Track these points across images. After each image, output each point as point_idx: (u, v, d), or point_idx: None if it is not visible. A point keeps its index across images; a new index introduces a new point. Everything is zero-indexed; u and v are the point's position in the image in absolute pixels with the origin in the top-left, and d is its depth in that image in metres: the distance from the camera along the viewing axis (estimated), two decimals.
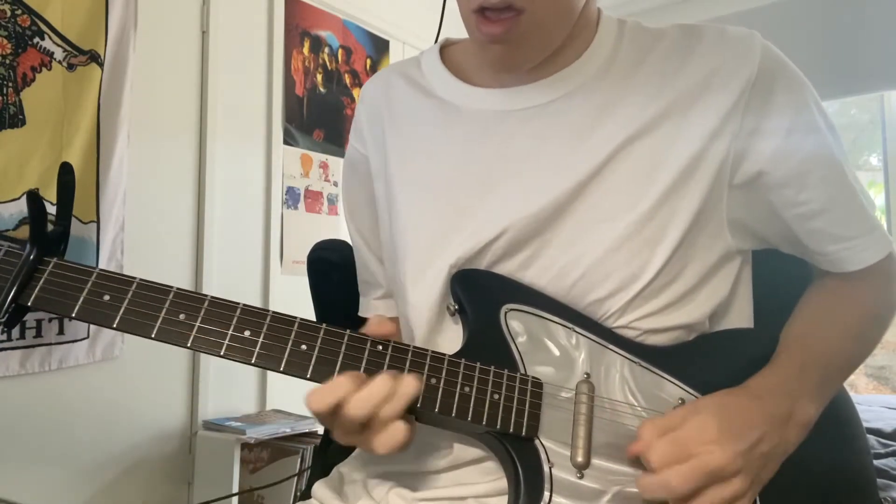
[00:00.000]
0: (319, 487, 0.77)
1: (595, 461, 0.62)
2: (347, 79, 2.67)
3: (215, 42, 2.17)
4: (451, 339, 0.71)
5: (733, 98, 0.67)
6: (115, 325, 0.59)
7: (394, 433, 0.59)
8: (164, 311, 0.60)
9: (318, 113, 2.55)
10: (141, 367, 1.94)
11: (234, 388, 2.20)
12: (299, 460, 1.96)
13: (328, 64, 2.60)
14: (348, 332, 0.63)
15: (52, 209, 0.65)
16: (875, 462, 1.56)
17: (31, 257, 0.59)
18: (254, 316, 0.61)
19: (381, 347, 0.62)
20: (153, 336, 0.59)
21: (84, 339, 1.81)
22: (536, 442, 0.62)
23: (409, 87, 0.81)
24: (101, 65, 1.84)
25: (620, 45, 0.73)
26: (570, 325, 0.67)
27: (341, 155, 2.58)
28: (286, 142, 2.41)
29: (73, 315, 0.59)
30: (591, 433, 0.63)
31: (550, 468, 0.62)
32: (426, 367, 0.62)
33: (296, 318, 0.62)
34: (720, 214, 0.69)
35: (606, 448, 0.63)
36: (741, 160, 0.68)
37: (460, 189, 0.73)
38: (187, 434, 2.06)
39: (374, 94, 0.84)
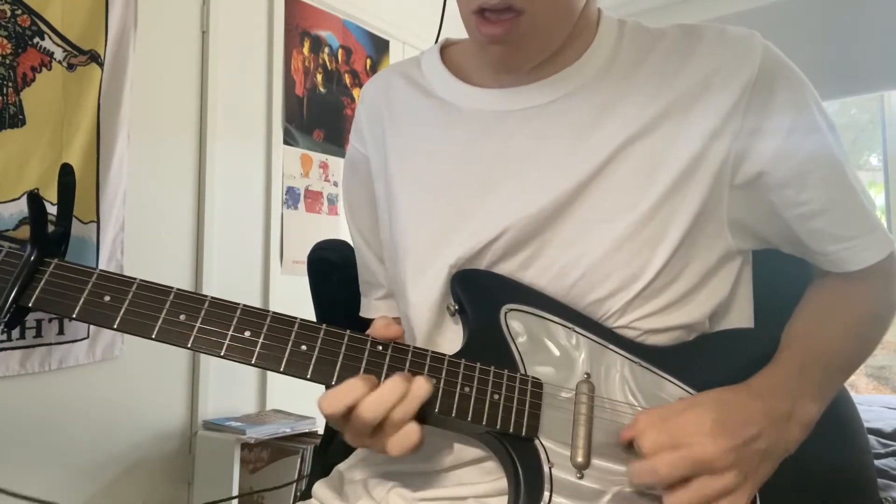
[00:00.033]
0: (320, 487, 0.77)
1: (595, 461, 0.62)
2: (347, 79, 2.67)
3: (215, 42, 2.17)
4: (451, 339, 0.71)
5: (734, 98, 0.67)
6: (115, 326, 0.59)
7: (408, 434, 0.59)
8: (165, 311, 0.60)
9: (318, 113, 2.55)
10: (141, 367, 1.94)
11: (234, 388, 2.20)
12: (299, 460, 1.96)
13: (328, 64, 2.60)
14: (348, 332, 0.63)
15: (52, 209, 0.65)
16: (875, 462, 1.56)
17: (32, 258, 0.59)
18: (254, 316, 0.61)
19: (380, 348, 0.62)
20: (153, 337, 0.59)
21: (84, 339, 1.81)
22: (536, 442, 0.63)
23: (410, 88, 0.81)
24: (101, 65, 1.84)
25: (621, 46, 0.73)
26: (571, 325, 0.67)
27: (341, 155, 2.58)
28: (286, 142, 2.42)
29: (74, 316, 0.59)
30: (592, 433, 0.63)
31: (550, 468, 0.62)
32: (426, 368, 0.62)
33: (296, 318, 0.62)
34: (721, 214, 0.69)
35: (606, 448, 0.63)
36: (742, 160, 0.68)
37: (460, 189, 0.73)
38: (187, 434, 2.06)
39: (375, 95, 0.84)
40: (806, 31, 2.78)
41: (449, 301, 0.71)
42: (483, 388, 0.63)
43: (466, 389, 0.62)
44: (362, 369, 0.61)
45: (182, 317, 0.60)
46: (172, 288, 0.61)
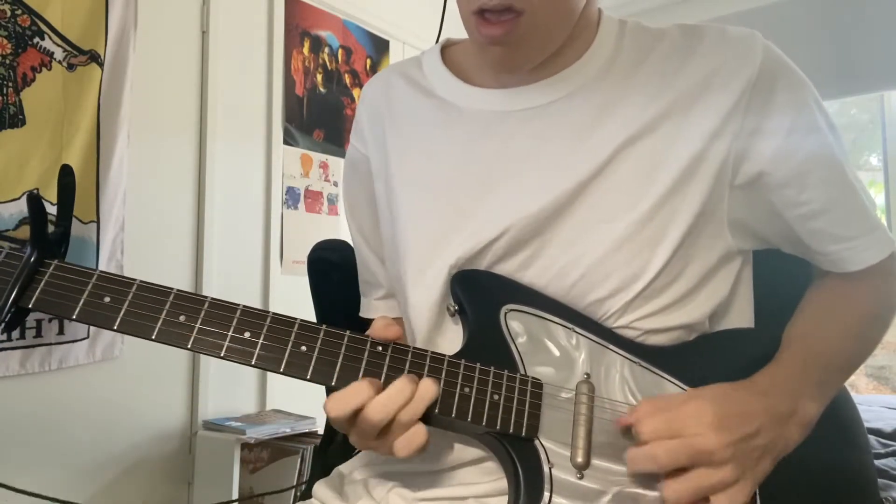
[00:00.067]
0: (320, 487, 0.77)
1: (595, 461, 0.62)
2: (347, 79, 2.67)
3: (215, 42, 2.17)
4: (451, 339, 0.71)
5: (734, 98, 0.67)
6: (115, 327, 0.59)
7: (415, 435, 0.59)
8: (165, 312, 0.60)
9: (318, 113, 2.55)
10: (141, 367, 1.94)
11: (234, 388, 2.20)
12: (299, 460, 1.96)
13: (328, 64, 2.60)
14: (348, 332, 0.63)
15: (52, 209, 0.65)
16: (875, 462, 1.56)
17: (32, 259, 0.59)
18: (254, 317, 0.61)
19: (380, 348, 0.62)
20: (153, 338, 0.59)
21: (84, 339, 1.81)
22: (536, 442, 0.63)
23: (410, 87, 0.81)
24: (101, 65, 1.84)
25: (621, 46, 0.73)
26: (570, 326, 0.67)
27: (341, 155, 2.58)
28: (286, 142, 2.41)
29: (74, 317, 0.59)
30: (591, 433, 0.63)
31: (550, 468, 0.62)
32: (426, 368, 0.62)
33: (295, 319, 0.62)
34: (721, 215, 0.69)
35: (606, 448, 0.63)
36: (742, 160, 0.68)
37: (460, 189, 0.73)
38: (187, 434, 2.06)
39: (375, 94, 0.84)
40: (806, 31, 2.78)
41: (449, 301, 0.71)
42: (483, 389, 0.63)
43: (466, 390, 0.62)
44: (362, 370, 0.61)
45: (182, 318, 0.60)
46: (172, 289, 0.61)
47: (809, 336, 0.71)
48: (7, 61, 1.68)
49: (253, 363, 0.60)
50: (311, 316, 0.91)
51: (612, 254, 0.67)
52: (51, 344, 1.73)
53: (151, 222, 1.99)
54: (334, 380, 0.61)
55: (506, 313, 0.67)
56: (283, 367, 0.60)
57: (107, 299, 0.60)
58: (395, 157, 0.78)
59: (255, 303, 2.25)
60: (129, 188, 1.90)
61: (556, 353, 0.66)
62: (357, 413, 0.59)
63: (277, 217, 2.37)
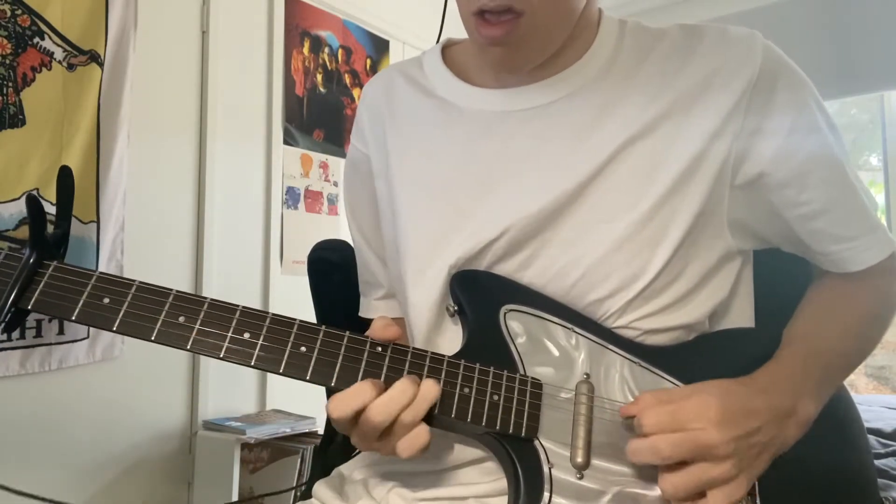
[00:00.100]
0: (320, 487, 0.77)
1: (595, 461, 0.62)
2: (347, 79, 2.67)
3: (215, 42, 2.17)
4: (451, 339, 0.71)
5: (734, 98, 0.67)
6: (114, 328, 0.59)
7: (418, 436, 0.59)
8: (164, 313, 0.60)
9: (318, 113, 2.55)
10: (141, 367, 1.94)
11: (234, 388, 2.20)
12: (299, 460, 1.96)
13: (328, 64, 2.60)
14: (347, 333, 0.62)
15: (51, 209, 0.65)
16: (875, 462, 1.56)
17: (31, 261, 0.59)
18: (253, 318, 0.61)
19: (380, 349, 0.62)
20: (153, 339, 0.59)
21: (84, 339, 1.81)
22: (536, 442, 0.62)
23: (411, 87, 0.81)
24: (101, 65, 1.84)
25: (621, 46, 0.73)
26: (570, 326, 0.67)
27: (341, 155, 2.58)
28: (286, 142, 2.41)
29: (73, 318, 0.59)
30: (591, 433, 0.63)
31: (550, 469, 0.62)
32: (425, 369, 0.62)
33: (295, 319, 0.62)
34: (721, 215, 0.69)
35: (606, 448, 0.63)
36: (742, 161, 0.68)
37: (460, 189, 0.73)
38: (187, 434, 2.06)
39: (376, 94, 0.84)
40: (806, 31, 2.78)
41: (448, 302, 0.70)
42: (482, 389, 0.63)
43: (466, 390, 0.62)
44: (361, 371, 0.61)
45: (181, 319, 0.60)
46: (171, 290, 0.61)
47: (810, 335, 0.71)
48: (7, 61, 1.68)
49: (252, 364, 0.60)
50: (311, 316, 0.91)
51: (612, 254, 0.67)
52: (51, 344, 1.73)
53: (151, 222, 1.99)
54: (334, 380, 0.61)
55: (505, 313, 0.67)
56: (282, 367, 0.60)
57: (106, 300, 0.59)
58: (396, 157, 0.78)
59: (255, 303, 2.26)
60: (129, 188, 1.90)
61: (556, 353, 0.66)
62: (359, 414, 0.59)
63: (277, 217, 2.37)
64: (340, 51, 2.65)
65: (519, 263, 0.70)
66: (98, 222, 1.83)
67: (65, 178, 0.66)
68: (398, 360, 0.62)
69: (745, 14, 2.88)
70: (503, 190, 0.71)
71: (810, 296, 0.76)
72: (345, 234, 0.97)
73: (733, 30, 0.70)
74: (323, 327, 0.62)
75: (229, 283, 2.18)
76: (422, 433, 0.59)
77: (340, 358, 0.61)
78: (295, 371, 0.60)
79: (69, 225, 0.65)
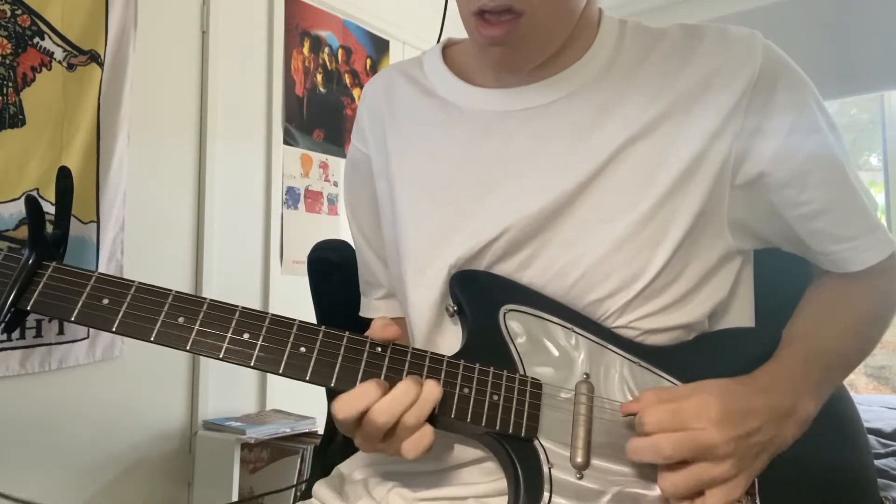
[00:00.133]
0: (320, 487, 0.77)
1: (595, 461, 0.62)
2: (347, 79, 2.67)
3: (215, 42, 2.17)
4: (450, 339, 0.71)
5: (735, 98, 0.67)
6: (114, 329, 0.59)
7: (422, 437, 0.59)
8: (163, 314, 0.60)
9: (318, 113, 2.54)
10: (141, 367, 1.94)
11: (234, 388, 2.20)
12: (299, 460, 1.96)
13: (328, 64, 2.60)
14: (347, 334, 0.62)
15: (51, 209, 0.65)
16: (875, 462, 1.56)
17: (30, 262, 0.59)
18: (252, 318, 0.61)
19: (379, 349, 0.62)
20: (152, 339, 0.59)
21: (84, 339, 1.81)
22: (536, 443, 0.62)
23: (411, 87, 0.81)
24: (101, 65, 1.84)
25: (622, 46, 0.73)
26: (570, 326, 0.67)
27: (341, 155, 2.58)
28: (286, 142, 2.41)
29: (73, 319, 0.58)
30: (591, 433, 0.63)
31: (550, 469, 0.62)
32: (425, 369, 0.62)
33: (295, 320, 0.62)
34: (721, 214, 0.69)
35: (606, 448, 0.63)
36: (742, 161, 0.68)
37: (460, 189, 0.73)
38: (187, 434, 2.06)
39: (376, 94, 0.84)
40: (806, 31, 2.78)
41: (448, 302, 0.70)
42: (482, 389, 0.63)
43: (465, 390, 0.62)
44: (361, 371, 0.61)
45: (180, 319, 0.60)
46: (171, 290, 0.61)
47: (810, 335, 0.71)
48: (7, 61, 1.68)
49: (252, 364, 0.60)
50: (311, 316, 0.91)
51: (612, 254, 0.67)
52: (51, 344, 1.73)
53: (151, 222, 1.99)
54: (333, 381, 0.60)
55: (505, 313, 0.67)
56: (282, 368, 0.60)
57: (105, 301, 0.59)
58: (396, 157, 0.78)
59: (255, 303, 2.26)
60: (129, 188, 1.90)
61: (556, 353, 0.66)
62: (363, 415, 0.59)
63: (277, 217, 2.37)
64: (340, 51, 2.65)
65: (519, 263, 0.69)
66: (98, 222, 1.83)
67: (64, 178, 0.65)
68: (398, 360, 0.62)
69: (745, 14, 2.88)
70: (503, 190, 0.70)
71: (810, 296, 0.76)
72: (345, 234, 0.97)
73: (734, 30, 0.70)
74: (322, 328, 0.62)
75: (229, 283, 2.18)
76: (426, 433, 0.59)
77: (340, 358, 0.61)
78: (294, 371, 0.60)
79: (68, 225, 0.65)
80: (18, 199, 1.67)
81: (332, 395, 0.61)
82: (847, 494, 0.72)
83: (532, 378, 0.64)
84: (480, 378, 0.63)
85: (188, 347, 0.59)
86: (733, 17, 2.89)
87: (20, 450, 1.70)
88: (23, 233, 1.67)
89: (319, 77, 2.56)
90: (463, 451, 0.69)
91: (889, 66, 2.67)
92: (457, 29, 0.78)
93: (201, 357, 2.06)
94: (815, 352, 0.69)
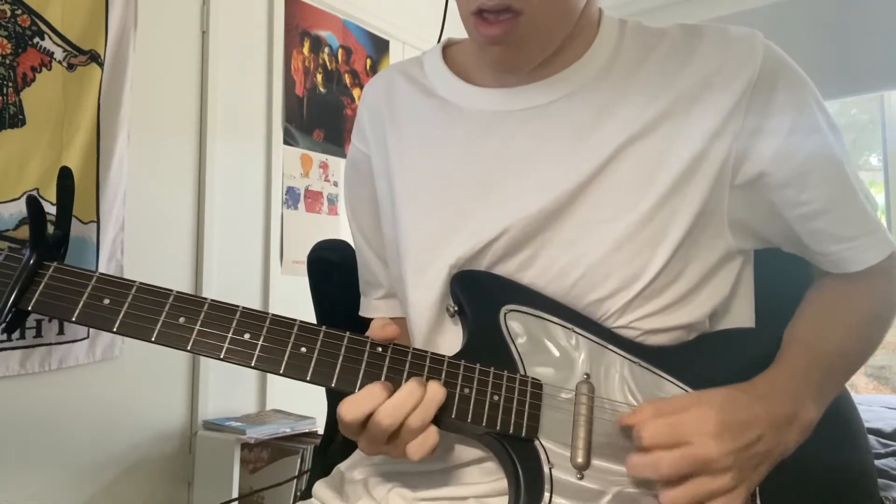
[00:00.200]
0: (320, 487, 0.77)
1: (595, 462, 0.62)
2: (347, 79, 2.67)
3: (215, 42, 2.17)
4: (451, 339, 0.71)
5: (735, 98, 0.67)
6: (115, 329, 0.59)
7: (427, 438, 0.59)
8: (164, 314, 0.60)
9: (318, 113, 2.54)
10: (141, 367, 1.94)
11: (234, 388, 2.20)
12: (299, 460, 1.96)
13: (328, 64, 2.60)
14: (348, 334, 0.62)
15: (51, 209, 0.65)
16: (875, 462, 1.56)
17: (31, 262, 0.59)
18: (253, 318, 0.61)
19: (380, 349, 0.62)
20: (153, 340, 0.59)
21: (84, 339, 1.81)
22: (536, 443, 0.62)
23: (411, 87, 0.81)
24: (101, 65, 1.84)
25: (622, 46, 0.73)
26: (570, 326, 0.67)
27: (341, 155, 2.58)
28: (286, 142, 2.41)
29: (74, 319, 0.58)
30: (591, 434, 0.63)
31: (550, 469, 0.62)
32: (425, 369, 0.62)
33: (295, 320, 0.62)
34: (721, 214, 0.69)
35: (606, 449, 0.63)
36: (742, 160, 0.68)
37: (461, 189, 0.73)
38: (187, 434, 2.06)
39: (376, 94, 0.84)
40: (806, 31, 2.78)
41: (448, 302, 0.70)
42: (483, 390, 0.63)
43: (466, 391, 0.62)
44: (361, 371, 0.61)
45: (181, 319, 0.60)
46: (171, 290, 0.61)
47: (810, 338, 0.71)
48: (7, 61, 1.68)
49: (252, 365, 0.60)
50: (311, 316, 0.91)
51: (612, 254, 0.67)
52: (51, 344, 1.73)
53: (151, 222, 1.99)
54: (334, 381, 0.60)
55: (505, 314, 0.67)
56: (282, 368, 0.60)
57: (106, 301, 0.59)
58: (396, 157, 0.78)
59: (255, 303, 2.26)
60: (129, 188, 1.90)
61: (556, 353, 0.66)
62: (368, 418, 0.59)
63: (277, 217, 2.37)
64: (340, 51, 2.65)
65: (519, 263, 0.69)
66: (98, 222, 1.83)
67: (65, 179, 0.65)
68: (398, 360, 0.62)
69: (745, 14, 2.88)
70: (503, 190, 0.70)
71: (810, 297, 0.76)
72: (345, 234, 0.97)
73: (734, 29, 0.70)
74: (323, 328, 0.62)
75: (229, 283, 2.18)
76: (431, 434, 0.59)
77: (340, 358, 0.61)
78: (295, 372, 0.60)
79: (69, 226, 0.65)
80: (18, 199, 1.67)
81: (332, 396, 0.61)
82: (847, 494, 0.72)
83: (532, 378, 0.64)
84: (481, 378, 0.63)
85: (189, 348, 0.59)
86: (733, 17, 2.89)
87: (20, 450, 1.70)
88: (23, 233, 1.67)
89: (319, 77, 2.56)
90: (463, 451, 0.69)
91: (889, 66, 2.67)
92: (457, 29, 0.78)
93: (201, 357, 2.06)
94: (816, 355, 0.69)
